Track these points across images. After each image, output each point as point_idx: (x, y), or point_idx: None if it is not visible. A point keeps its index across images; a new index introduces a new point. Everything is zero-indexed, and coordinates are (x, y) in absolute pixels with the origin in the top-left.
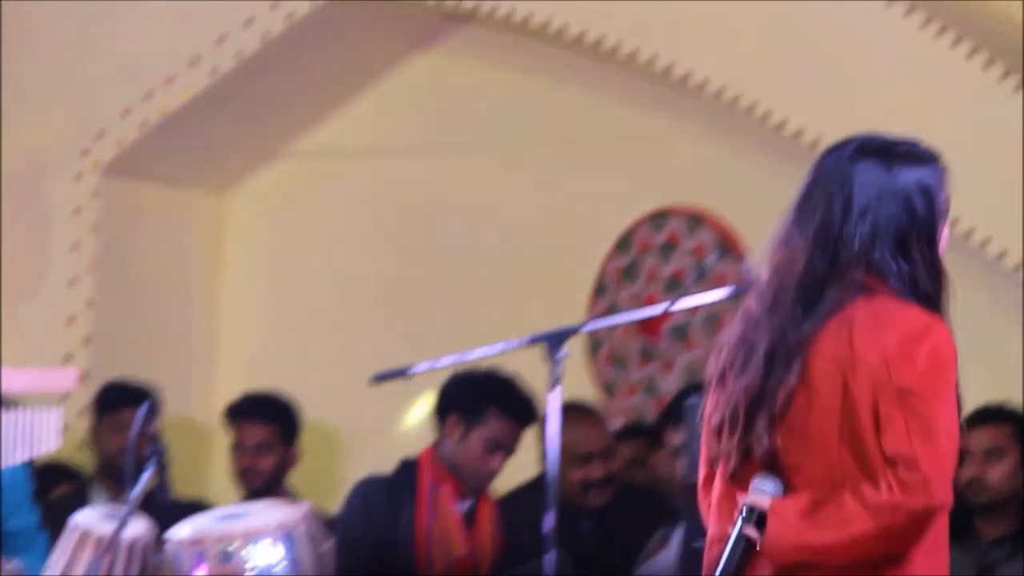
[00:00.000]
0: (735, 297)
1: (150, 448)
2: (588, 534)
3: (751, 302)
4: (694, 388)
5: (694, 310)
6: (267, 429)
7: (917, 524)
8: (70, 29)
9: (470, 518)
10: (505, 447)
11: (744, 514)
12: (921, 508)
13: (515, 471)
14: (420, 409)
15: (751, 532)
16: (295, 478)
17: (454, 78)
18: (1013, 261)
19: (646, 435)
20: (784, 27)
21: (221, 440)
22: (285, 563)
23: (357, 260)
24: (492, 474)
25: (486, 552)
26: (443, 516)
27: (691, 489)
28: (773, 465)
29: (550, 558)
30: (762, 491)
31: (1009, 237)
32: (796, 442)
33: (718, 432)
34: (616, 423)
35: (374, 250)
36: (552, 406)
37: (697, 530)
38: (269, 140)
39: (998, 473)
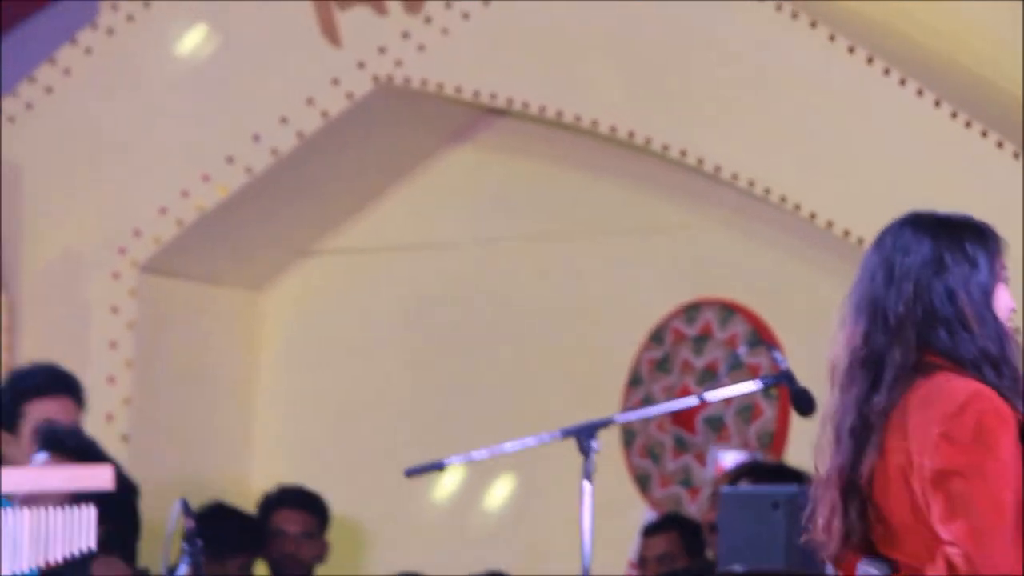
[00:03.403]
0: (768, 387)
1: (185, 545)
2: None
3: (831, 388)
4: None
5: (728, 401)
6: (309, 519)
7: None
8: (107, 128)
9: None
10: None
11: None
12: None
13: None
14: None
15: None
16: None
17: (486, 172)
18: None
19: (679, 528)
20: (813, 119)
21: None
22: None
23: (391, 355)
24: None
25: None
26: None
27: None
28: (873, 547)
29: None
30: (869, 574)
31: None
32: (883, 524)
33: (827, 527)
34: (650, 516)
35: (407, 344)
36: (585, 499)
37: None
38: (303, 237)
39: None
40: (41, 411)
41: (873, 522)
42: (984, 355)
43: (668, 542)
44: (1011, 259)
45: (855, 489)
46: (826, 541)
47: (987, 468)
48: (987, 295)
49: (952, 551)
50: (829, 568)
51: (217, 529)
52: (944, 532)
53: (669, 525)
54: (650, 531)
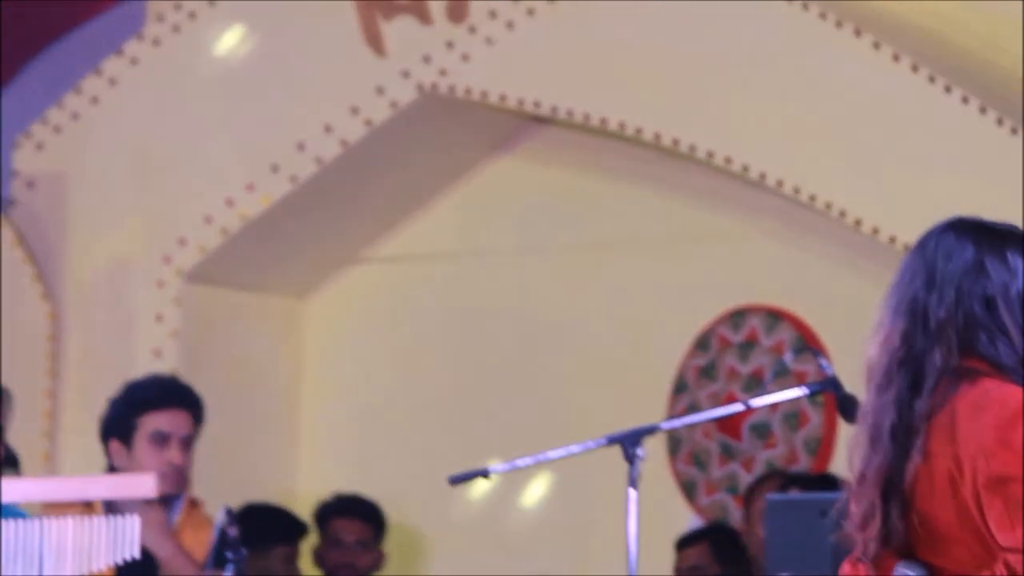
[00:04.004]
0: (814, 394)
1: (229, 553)
2: None
3: (868, 388)
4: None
5: (774, 407)
6: (366, 528)
7: None
8: (152, 137)
9: None
10: None
11: None
12: None
13: None
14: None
15: None
16: None
17: (530, 180)
18: None
19: (710, 539)
20: (858, 126)
21: (306, 543)
22: None
23: (437, 362)
24: None
25: None
26: None
27: None
28: (913, 550)
29: None
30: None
31: None
32: (926, 530)
33: (862, 526)
34: (695, 523)
35: (454, 352)
36: (631, 507)
37: None
38: (348, 245)
39: None
40: (155, 423)
41: (915, 527)
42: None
43: (698, 554)
44: None
45: (896, 491)
46: (861, 540)
47: None
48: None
49: (1012, 558)
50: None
51: (259, 523)
52: (1003, 539)
53: (699, 537)
54: (681, 544)
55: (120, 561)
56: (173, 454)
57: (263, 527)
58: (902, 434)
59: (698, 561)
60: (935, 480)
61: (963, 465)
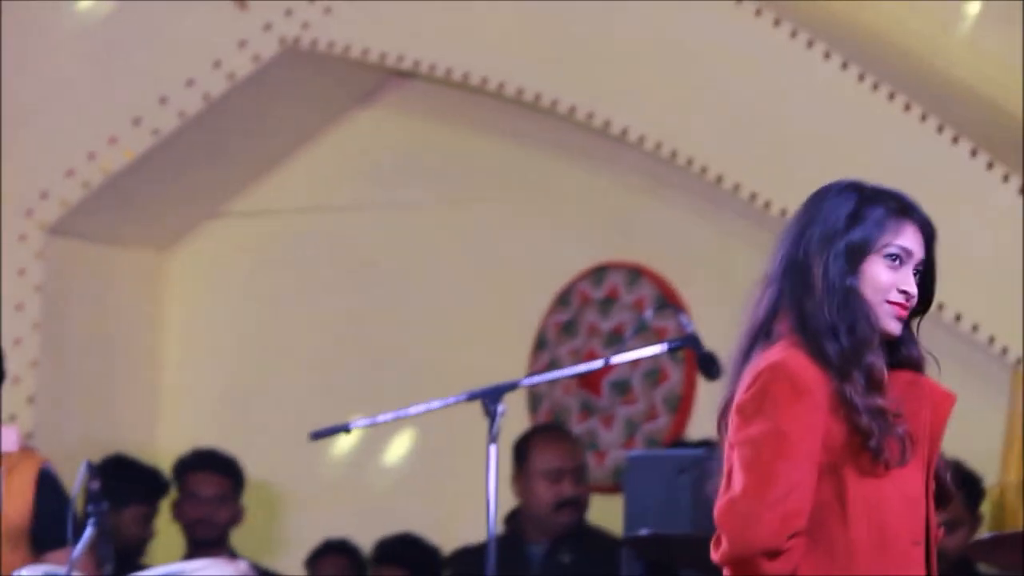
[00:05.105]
0: (674, 351)
1: (91, 507)
2: (539, 563)
3: None
4: None
5: (635, 364)
6: (223, 481)
7: (741, 571)
8: (14, 90)
9: None
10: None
11: None
12: (727, 559)
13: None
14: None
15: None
16: (234, 536)
17: (392, 134)
18: (1014, 356)
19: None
20: (722, 82)
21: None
22: None
23: (296, 317)
24: None
25: None
26: None
27: (633, 541)
28: None
29: None
30: None
31: (1009, 333)
32: None
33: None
34: None
35: (313, 307)
36: (490, 462)
37: None
38: (210, 199)
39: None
40: None
41: None
42: (819, 325)
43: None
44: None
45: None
46: None
47: (761, 440)
48: (837, 262)
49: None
50: None
51: (116, 478)
52: (718, 502)
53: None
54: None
55: None
56: None
57: (120, 483)
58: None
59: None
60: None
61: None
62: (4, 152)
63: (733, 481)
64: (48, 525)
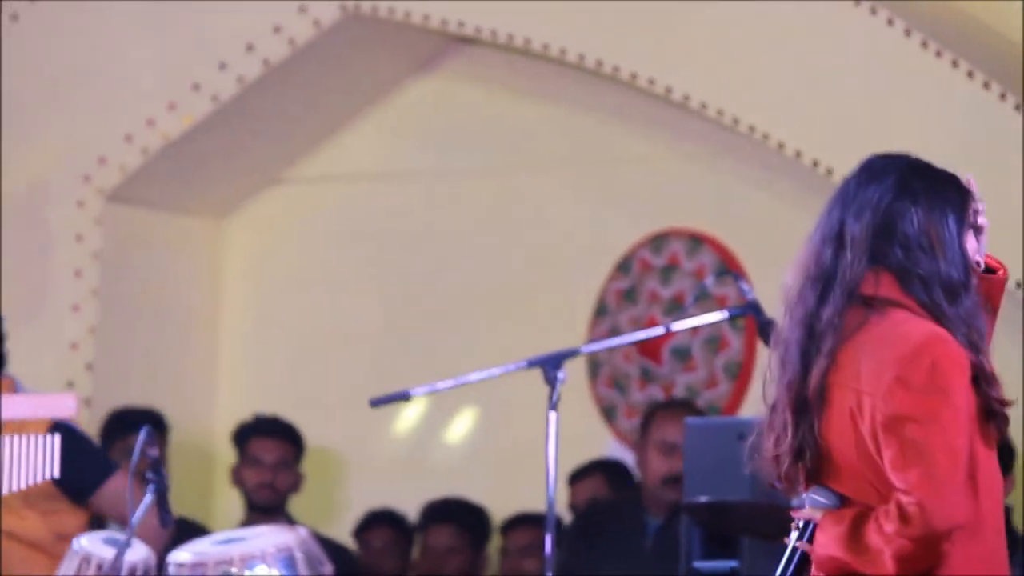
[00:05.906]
0: (735, 318)
1: (150, 473)
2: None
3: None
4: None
5: (695, 331)
6: (284, 447)
7: (925, 550)
8: (72, 55)
9: None
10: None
11: (800, 527)
12: (920, 535)
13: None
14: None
15: (804, 547)
16: (294, 504)
17: (452, 101)
18: (1014, 278)
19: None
20: (784, 50)
21: (223, 464)
22: None
23: (356, 284)
24: None
25: None
26: None
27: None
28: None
29: None
30: (817, 502)
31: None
32: (826, 459)
33: (776, 444)
34: (614, 446)
35: (373, 274)
36: (550, 429)
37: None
38: (269, 166)
39: None
40: None
41: (823, 448)
42: (939, 280)
43: (593, 486)
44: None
45: (805, 404)
46: (775, 464)
47: (943, 416)
48: (953, 232)
49: (906, 499)
50: (794, 501)
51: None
52: (897, 480)
53: (591, 470)
54: (574, 478)
55: (37, 480)
56: None
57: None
58: (807, 343)
59: (593, 493)
60: (833, 412)
61: (863, 401)
62: (63, 117)
63: (914, 455)
64: (74, 473)
